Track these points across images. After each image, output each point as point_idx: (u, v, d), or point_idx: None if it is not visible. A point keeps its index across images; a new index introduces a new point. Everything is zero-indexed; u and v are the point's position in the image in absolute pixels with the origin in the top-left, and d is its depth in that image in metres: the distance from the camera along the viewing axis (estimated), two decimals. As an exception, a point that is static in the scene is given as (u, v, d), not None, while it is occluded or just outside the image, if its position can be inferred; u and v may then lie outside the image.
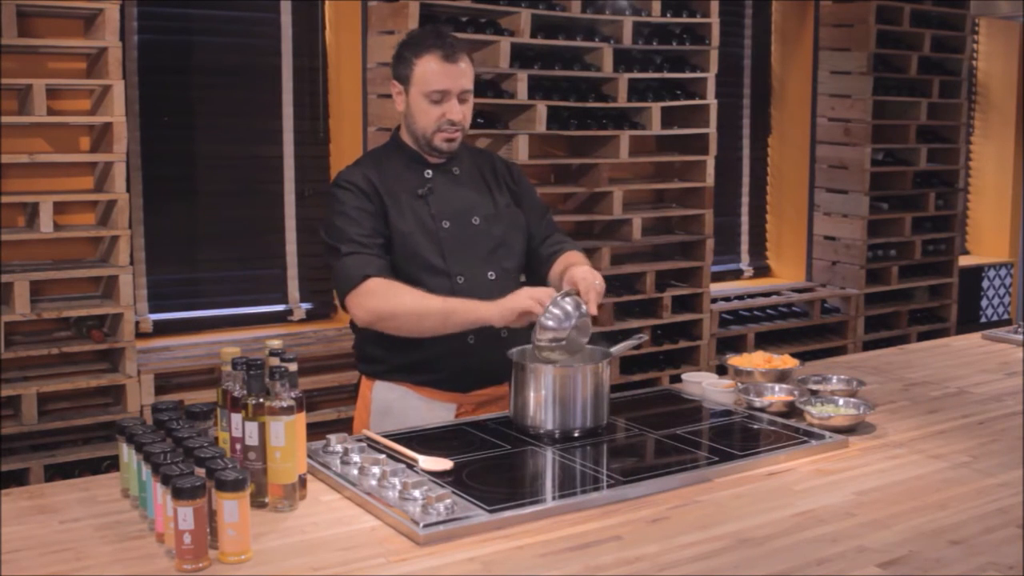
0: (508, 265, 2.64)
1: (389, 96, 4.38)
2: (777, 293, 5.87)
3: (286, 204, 4.66)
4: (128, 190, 3.84)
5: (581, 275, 2.43)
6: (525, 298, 2.35)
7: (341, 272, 2.46)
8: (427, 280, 2.50)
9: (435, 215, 2.56)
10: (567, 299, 2.35)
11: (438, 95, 2.51)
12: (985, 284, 6.84)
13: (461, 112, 2.54)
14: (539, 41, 4.62)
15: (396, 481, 1.95)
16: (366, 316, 2.44)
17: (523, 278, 2.73)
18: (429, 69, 2.50)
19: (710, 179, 5.25)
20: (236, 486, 1.68)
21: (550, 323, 2.31)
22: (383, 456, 2.11)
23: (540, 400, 2.33)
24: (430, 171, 2.61)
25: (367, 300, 2.42)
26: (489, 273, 2.59)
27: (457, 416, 2.57)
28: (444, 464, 2.11)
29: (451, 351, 2.51)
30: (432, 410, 2.57)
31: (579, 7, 4.73)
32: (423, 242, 2.54)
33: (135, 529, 1.84)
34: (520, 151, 4.54)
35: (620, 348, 2.54)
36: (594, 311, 2.37)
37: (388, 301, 2.41)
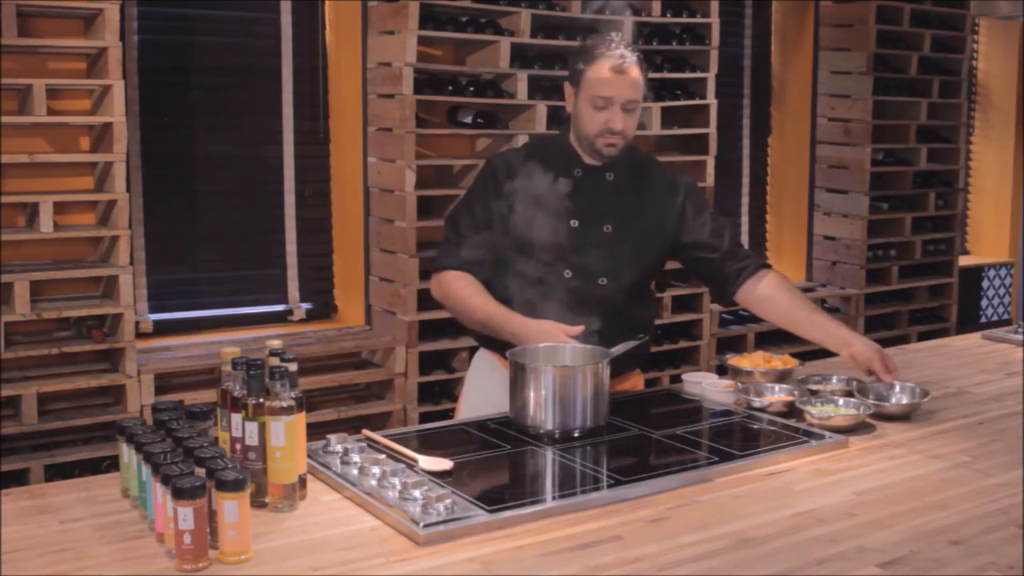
0: (626, 279, 2.68)
1: (389, 96, 4.40)
2: (777, 293, 5.86)
3: (286, 204, 4.66)
4: (128, 190, 3.85)
5: (863, 354, 2.66)
6: (556, 332, 2.50)
7: (438, 251, 2.79)
8: (530, 267, 2.60)
9: (567, 211, 2.62)
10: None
11: (603, 101, 2.59)
12: (985, 284, 6.84)
13: (623, 121, 2.61)
14: (539, 41, 4.62)
15: (396, 481, 1.95)
16: (435, 295, 2.77)
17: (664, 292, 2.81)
18: (597, 77, 2.59)
19: (710, 179, 5.25)
20: (236, 486, 1.68)
21: None
22: (383, 456, 2.11)
23: (540, 400, 2.33)
24: (580, 170, 2.69)
25: (435, 286, 2.75)
26: (601, 279, 2.65)
27: None
28: (444, 464, 2.11)
29: None
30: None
31: (579, 7, 4.73)
32: (539, 233, 2.60)
33: (135, 529, 1.83)
34: (520, 151, 4.53)
35: (620, 348, 2.54)
36: (890, 377, 2.63)
37: (447, 293, 2.71)
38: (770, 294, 2.76)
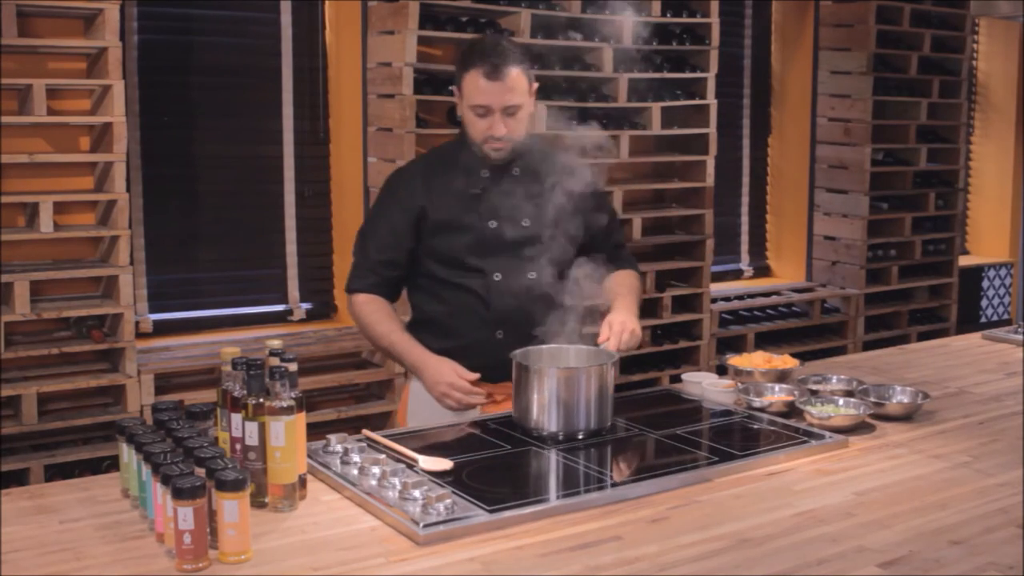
0: (554, 268, 2.66)
1: (389, 96, 4.40)
2: (777, 293, 5.87)
3: (286, 204, 4.66)
4: (128, 190, 3.84)
5: (612, 320, 2.55)
6: (445, 386, 2.54)
7: (349, 272, 2.75)
8: (458, 276, 2.61)
9: (483, 214, 2.62)
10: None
11: (482, 109, 2.56)
12: (985, 284, 6.84)
13: (505, 127, 2.57)
14: (539, 41, 4.62)
15: (396, 481, 1.95)
16: (351, 316, 2.77)
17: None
18: (472, 85, 2.56)
19: (710, 179, 5.25)
20: (236, 486, 1.68)
21: None
22: (383, 456, 2.11)
23: (543, 403, 2.32)
24: (487, 171, 2.66)
25: (350, 307, 2.74)
26: (530, 273, 2.63)
27: (487, 402, 2.61)
28: (444, 464, 2.11)
29: (481, 344, 2.60)
30: None
31: (579, 7, 4.73)
32: (460, 240, 2.61)
33: (135, 529, 1.84)
34: (520, 151, 4.53)
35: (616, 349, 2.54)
36: (612, 347, 2.49)
37: (357, 317, 2.72)
38: (608, 281, 2.75)
